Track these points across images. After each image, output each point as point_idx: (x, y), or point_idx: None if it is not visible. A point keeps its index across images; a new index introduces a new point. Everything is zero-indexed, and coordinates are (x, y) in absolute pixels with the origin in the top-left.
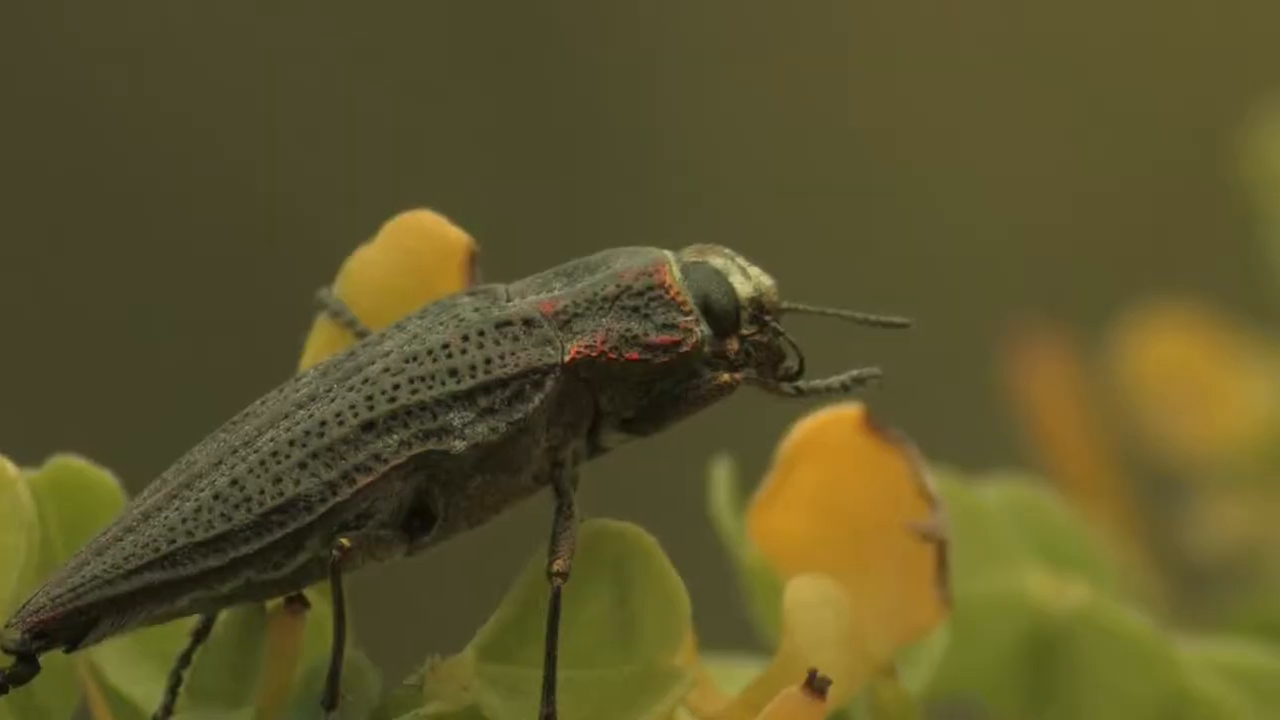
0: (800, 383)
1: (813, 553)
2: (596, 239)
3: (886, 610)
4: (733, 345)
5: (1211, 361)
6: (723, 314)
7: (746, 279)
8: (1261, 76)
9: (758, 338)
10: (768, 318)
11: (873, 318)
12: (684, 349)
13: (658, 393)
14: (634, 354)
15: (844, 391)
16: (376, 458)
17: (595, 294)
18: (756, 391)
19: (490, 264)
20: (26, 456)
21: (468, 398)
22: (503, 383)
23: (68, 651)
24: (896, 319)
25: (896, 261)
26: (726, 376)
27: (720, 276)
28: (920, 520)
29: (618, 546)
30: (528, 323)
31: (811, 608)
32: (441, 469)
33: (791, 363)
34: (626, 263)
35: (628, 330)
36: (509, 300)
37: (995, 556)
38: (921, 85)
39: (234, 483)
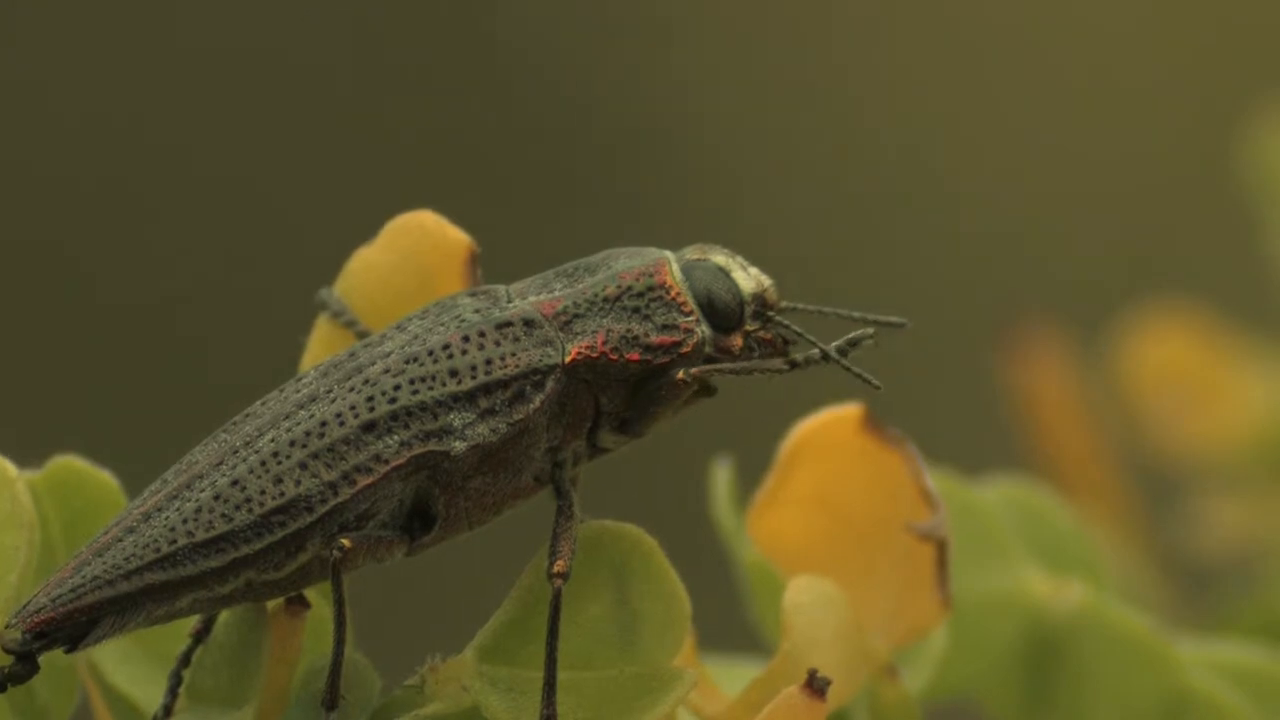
0: (795, 356)
1: (812, 553)
2: (597, 239)
3: (886, 610)
4: (737, 341)
5: (1210, 363)
6: (727, 310)
7: (748, 276)
8: (1262, 77)
9: (761, 334)
10: (771, 313)
11: (870, 316)
12: (684, 349)
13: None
14: (635, 354)
15: (839, 356)
16: (377, 458)
17: (596, 295)
18: (756, 391)
19: (491, 265)
20: (27, 457)
21: (468, 398)
22: (503, 384)
23: (68, 652)
24: (893, 318)
25: (896, 262)
26: (680, 374)
27: (723, 273)
28: (920, 520)
29: (618, 548)
30: (528, 323)
31: (810, 608)
32: (442, 470)
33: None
34: (627, 263)
35: (628, 331)
36: (509, 301)
37: (994, 557)
38: (923, 86)
39: (235, 483)
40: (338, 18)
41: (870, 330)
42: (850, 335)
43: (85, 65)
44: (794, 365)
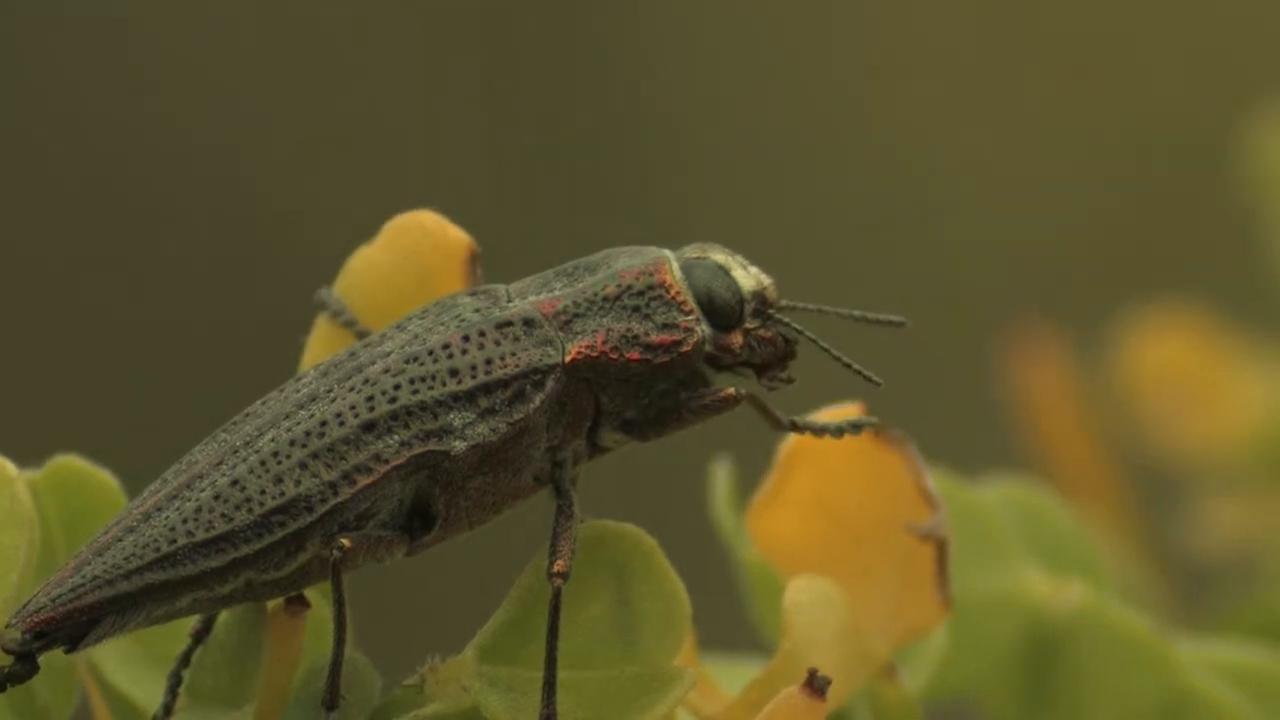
0: (797, 417)
1: (812, 553)
2: (597, 238)
3: (886, 610)
4: (736, 339)
5: (1210, 363)
6: (726, 308)
7: (747, 274)
8: (1261, 77)
9: (761, 332)
10: (771, 311)
11: (869, 315)
12: (684, 348)
13: (659, 393)
14: (635, 354)
15: (838, 434)
16: (377, 458)
17: (596, 294)
18: (760, 389)
19: (491, 264)
20: (27, 456)
21: (468, 398)
22: (503, 383)
23: (68, 652)
24: (892, 317)
25: (897, 263)
26: (731, 390)
27: (723, 271)
28: (920, 520)
29: (619, 547)
30: (528, 323)
31: (810, 608)
32: (442, 469)
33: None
34: (627, 262)
35: (628, 330)
36: (509, 300)
37: (994, 557)
38: (922, 84)
39: (234, 483)
40: (338, 17)
41: (875, 420)
42: (855, 419)
43: (84, 66)
44: (795, 426)
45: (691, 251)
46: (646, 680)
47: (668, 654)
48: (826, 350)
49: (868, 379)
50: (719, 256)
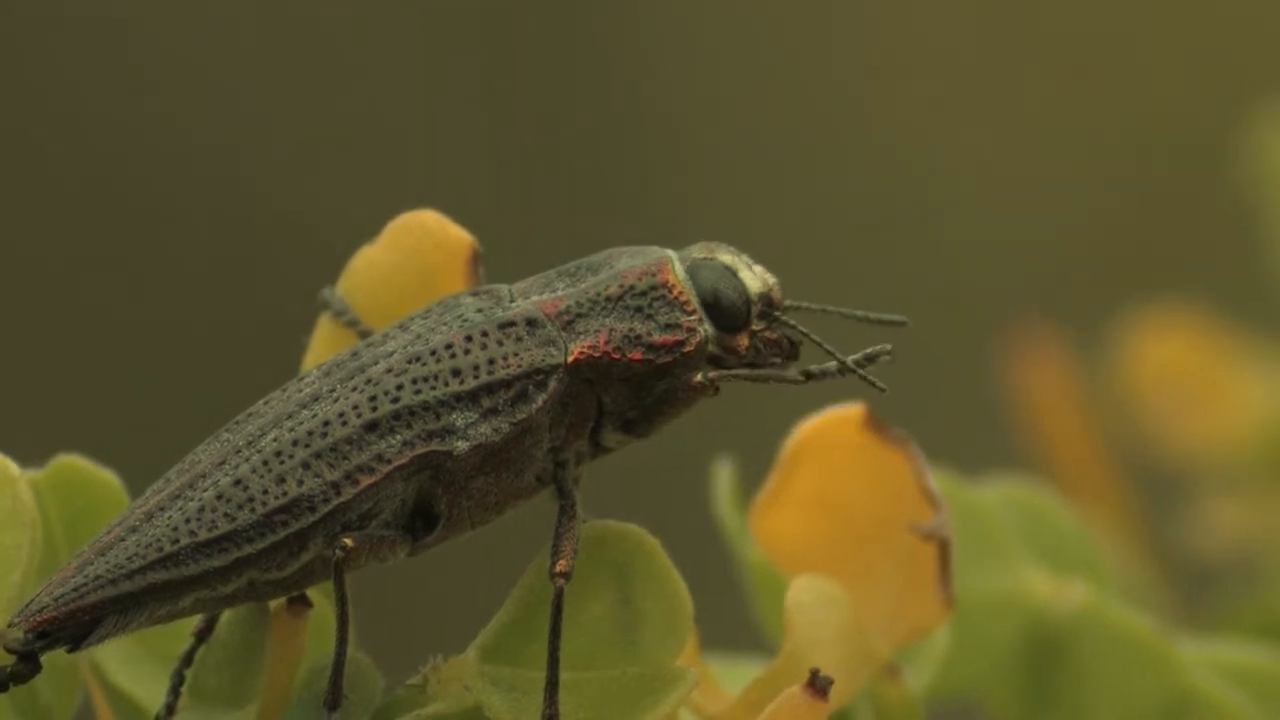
0: (811, 367)
1: (815, 552)
2: (597, 238)
3: (888, 610)
4: (743, 341)
5: (1211, 363)
6: (733, 310)
7: (754, 275)
8: (1261, 78)
9: (767, 334)
10: (776, 312)
11: (871, 315)
12: (687, 348)
13: (660, 393)
14: (637, 354)
15: (853, 371)
16: (379, 458)
17: (598, 294)
18: (758, 390)
19: (491, 264)
20: (29, 456)
21: (471, 398)
22: (506, 383)
23: (70, 651)
24: (894, 317)
25: (897, 263)
26: (699, 377)
27: (730, 273)
28: (923, 520)
29: (621, 547)
30: (531, 323)
31: (813, 608)
32: (444, 469)
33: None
34: (629, 262)
35: (631, 330)
36: (512, 300)
37: (995, 557)
38: (922, 88)
39: (237, 482)
40: (338, 17)
41: (889, 346)
42: (869, 350)
43: (82, 68)
44: (810, 376)
45: (698, 251)
46: (649, 680)
47: (670, 654)
48: (831, 354)
49: (871, 384)
50: (726, 257)
